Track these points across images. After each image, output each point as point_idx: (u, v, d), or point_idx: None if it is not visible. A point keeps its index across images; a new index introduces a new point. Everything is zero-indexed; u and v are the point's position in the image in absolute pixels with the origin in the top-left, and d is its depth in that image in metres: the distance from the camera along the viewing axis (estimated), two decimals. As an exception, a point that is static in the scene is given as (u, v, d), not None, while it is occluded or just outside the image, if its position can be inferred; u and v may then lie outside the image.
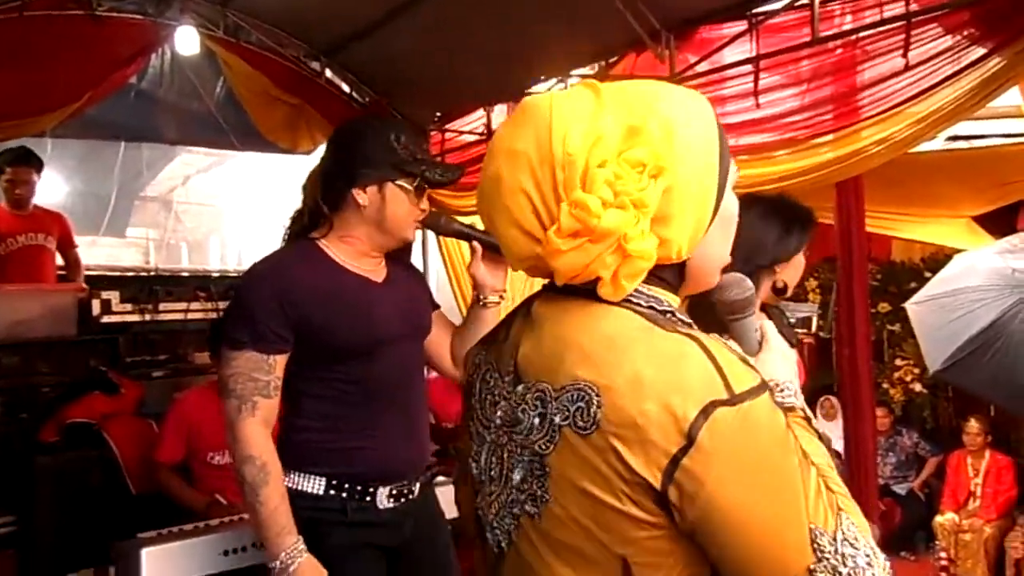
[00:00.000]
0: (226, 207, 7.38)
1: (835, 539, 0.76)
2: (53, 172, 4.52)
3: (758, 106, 3.15)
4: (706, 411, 0.75)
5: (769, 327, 1.02)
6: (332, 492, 1.72)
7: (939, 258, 4.38)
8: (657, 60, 3.38)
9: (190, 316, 3.54)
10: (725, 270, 0.97)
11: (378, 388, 1.76)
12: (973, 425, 4.63)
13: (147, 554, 2.06)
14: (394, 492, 1.76)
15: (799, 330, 2.21)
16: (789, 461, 0.78)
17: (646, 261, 0.81)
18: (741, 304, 0.99)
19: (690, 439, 0.75)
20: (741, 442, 0.76)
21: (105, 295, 3.36)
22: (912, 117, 2.71)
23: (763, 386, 0.79)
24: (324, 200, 1.76)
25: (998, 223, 3.67)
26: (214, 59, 3.94)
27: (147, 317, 3.45)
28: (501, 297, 1.85)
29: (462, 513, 1.05)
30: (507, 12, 3.45)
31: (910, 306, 3.54)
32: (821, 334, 4.24)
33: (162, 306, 3.49)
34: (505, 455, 0.89)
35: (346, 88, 4.34)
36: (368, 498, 1.73)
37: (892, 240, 6.06)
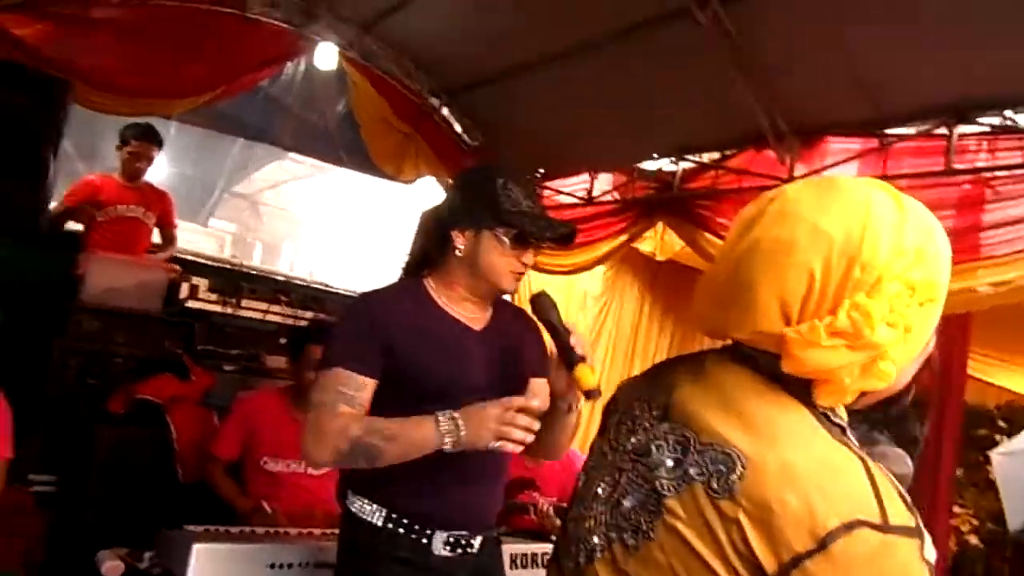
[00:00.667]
0: (307, 217, 7.56)
1: None
2: (166, 152, 4.70)
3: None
4: (850, 526, 0.74)
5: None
6: (390, 526, 1.68)
7: (1015, 406, 4.20)
8: (776, 160, 3.37)
9: (268, 317, 3.58)
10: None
11: None
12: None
13: (198, 550, 2.03)
14: (451, 540, 1.71)
15: None
16: None
17: (884, 383, 0.80)
18: (901, 482, 0.97)
19: (822, 545, 0.74)
20: (874, 569, 0.74)
21: (196, 280, 3.42)
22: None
23: (919, 531, 0.77)
24: (432, 240, 1.76)
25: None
26: (343, 78, 4.07)
27: (228, 310, 3.50)
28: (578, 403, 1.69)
29: None
30: (635, 83, 3.50)
31: (996, 455, 3.39)
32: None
33: (244, 302, 3.54)
34: (623, 480, 0.89)
35: (459, 128, 4.43)
36: (424, 540, 1.68)
37: (968, 381, 5.87)
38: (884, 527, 0.74)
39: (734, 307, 0.84)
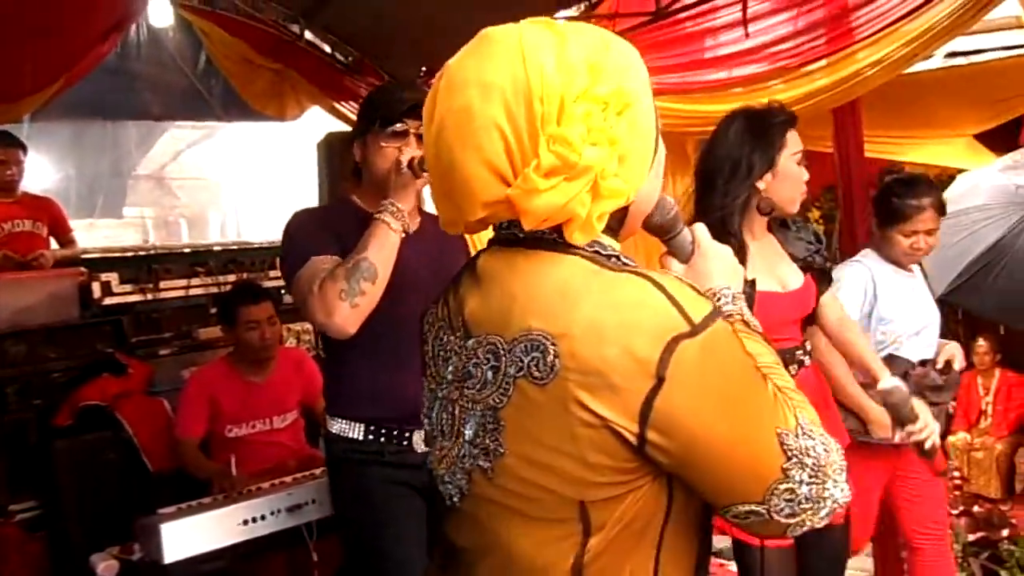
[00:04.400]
0: (222, 180, 7.33)
1: (797, 435, 0.80)
2: (40, 157, 4.47)
3: (747, 35, 3.06)
4: (670, 347, 0.75)
5: (702, 232, 1.01)
6: (371, 437, 1.82)
7: (944, 179, 4.31)
8: (642, -4, 3.29)
9: (191, 292, 3.53)
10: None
11: (408, 333, 1.77)
12: (982, 344, 4.63)
13: (166, 528, 2.08)
14: None
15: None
16: (750, 375, 0.81)
17: (618, 200, 0.81)
18: (671, 223, 0.99)
19: (660, 378, 0.75)
20: (708, 369, 0.77)
21: (105, 277, 3.35)
22: (907, 35, 2.64)
23: (718, 312, 0.80)
24: (346, 161, 1.95)
25: (1001, 140, 3.60)
26: (192, 30, 3.86)
27: (148, 296, 3.45)
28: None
29: None
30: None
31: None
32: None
33: (162, 284, 3.48)
34: (457, 411, 0.89)
35: (327, 49, 4.24)
36: (405, 442, 1.82)
37: (903, 166, 5.98)
38: (695, 329, 0.76)
39: (455, 193, 0.82)
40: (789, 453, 0.78)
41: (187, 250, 3.89)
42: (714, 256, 0.99)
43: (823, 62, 2.92)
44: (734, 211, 1.88)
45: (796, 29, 3.00)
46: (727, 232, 1.84)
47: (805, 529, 0.80)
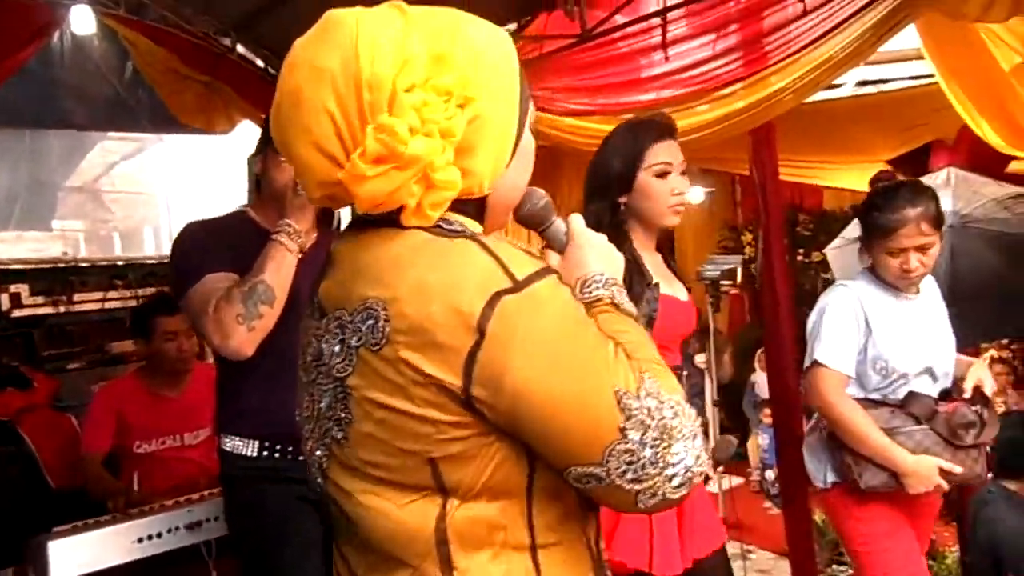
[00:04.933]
0: (159, 194, 7.17)
1: (639, 396, 0.77)
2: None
3: (667, 59, 3.14)
4: (492, 302, 0.76)
5: (578, 223, 1.02)
6: (265, 453, 1.81)
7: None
8: (568, 18, 3.34)
9: (107, 305, 3.44)
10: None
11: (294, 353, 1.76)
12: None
13: (54, 547, 2.01)
14: None
15: (725, 282, 2.20)
16: (582, 332, 0.80)
17: (450, 191, 0.81)
18: (541, 214, 1.00)
19: (481, 332, 0.76)
20: (531, 323, 0.77)
21: (14, 288, 3.24)
22: (814, 61, 2.74)
23: (547, 270, 0.81)
24: (249, 176, 1.89)
25: (912, 165, 3.73)
26: (118, 39, 3.79)
27: (61, 309, 3.35)
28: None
29: None
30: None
31: (829, 251, 3.60)
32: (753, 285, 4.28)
33: (77, 296, 3.39)
34: (315, 391, 0.89)
35: (259, 63, 4.20)
36: (301, 456, 1.75)
37: (824, 190, 6.16)
38: (517, 285, 0.77)
39: (298, 174, 0.84)
40: (628, 413, 0.77)
41: (107, 263, 3.77)
42: (588, 244, 0.99)
43: (739, 85, 3.00)
44: (607, 225, 1.84)
45: (714, 53, 3.08)
46: (618, 242, 1.86)
47: (659, 500, 0.77)
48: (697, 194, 6.29)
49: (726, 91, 2.99)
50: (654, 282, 1.84)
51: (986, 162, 3.31)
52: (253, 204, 1.89)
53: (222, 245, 1.74)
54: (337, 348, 0.84)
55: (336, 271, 0.89)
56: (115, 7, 3.66)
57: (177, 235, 1.83)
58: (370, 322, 0.79)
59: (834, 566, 3.73)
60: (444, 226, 0.85)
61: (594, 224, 1.85)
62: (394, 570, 0.84)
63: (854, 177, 3.84)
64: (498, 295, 0.76)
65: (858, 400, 2.05)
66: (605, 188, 1.88)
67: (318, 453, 0.89)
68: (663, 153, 1.85)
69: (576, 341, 0.79)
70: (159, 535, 2.15)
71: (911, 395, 2.02)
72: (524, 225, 1.01)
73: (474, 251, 0.79)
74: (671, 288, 1.93)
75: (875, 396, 2.07)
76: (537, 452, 0.81)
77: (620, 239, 1.85)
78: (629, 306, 0.93)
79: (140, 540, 2.12)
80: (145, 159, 6.82)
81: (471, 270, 0.78)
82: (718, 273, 2.16)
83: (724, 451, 2.11)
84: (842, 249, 3.39)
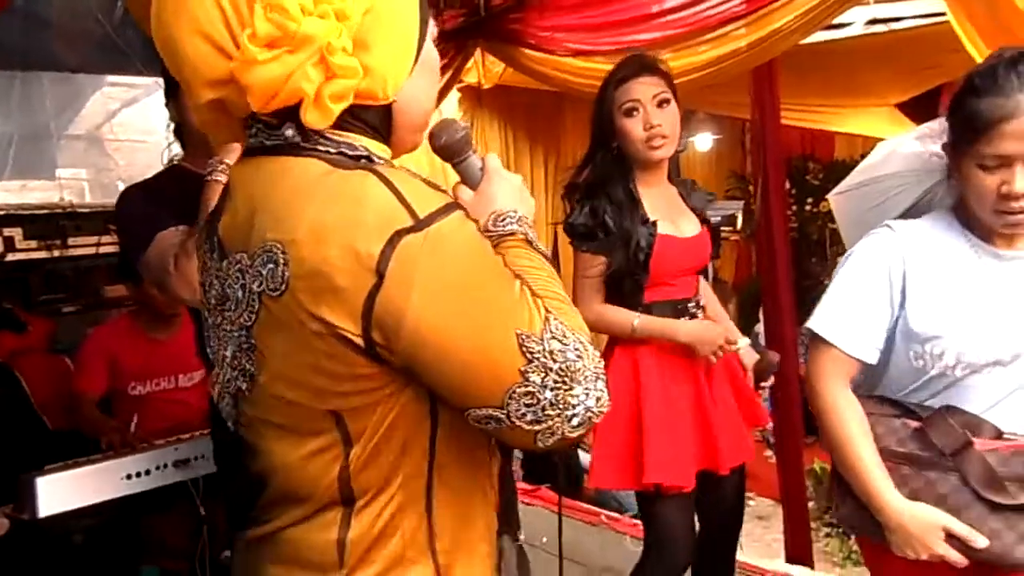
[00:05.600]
0: (161, 140, 7.14)
1: (542, 338, 0.75)
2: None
3: (668, -5, 3.03)
4: (392, 242, 0.72)
5: (492, 160, 0.99)
6: None
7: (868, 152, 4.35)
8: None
9: (101, 251, 3.44)
10: None
11: None
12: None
13: (42, 483, 2.03)
14: None
15: (725, 227, 2.20)
16: (486, 272, 0.77)
17: (351, 79, 0.77)
18: (459, 145, 0.98)
19: (380, 275, 0.72)
20: (433, 264, 0.74)
21: (7, 232, 3.24)
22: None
23: (452, 206, 0.77)
24: None
25: (921, 109, 3.63)
26: (107, -23, 3.70)
27: (56, 253, 3.34)
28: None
29: None
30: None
31: (832, 197, 3.48)
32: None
33: (71, 241, 3.38)
34: (221, 335, 0.86)
35: None
36: None
37: (836, 139, 6.03)
38: (419, 224, 0.74)
39: (183, 78, 0.78)
40: (529, 355, 0.75)
41: (101, 209, 3.76)
42: (501, 181, 0.96)
43: (741, 22, 2.90)
44: (608, 169, 1.94)
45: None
46: (619, 183, 1.92)
47: (557, 439, 0.76)
48: (704, 141, 6.20)
49: (728, 28, 2.90)
50: (651, 220, 1.89)
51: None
52: (184, 155, 1.88)
53: (163, 203, 1.72)
54: (240, 294, 0.81)
55: (233, 206, 0.85)
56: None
57: (117, 205, 1.81)
58: (270, 266, 0.76)
59: (828, 514, 3.75)
60: (347, 151, 0.81)
61: (599, 170, 1.93)
62: (292, 508, 0.84)
63: (861, 122, 3.74)
64: (398, 234, 0.73)
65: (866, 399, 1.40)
66: (599, 136, 1.96)
67: (225, 401, 0.88)
68: (630, 91, 1.90)
69: (478, 282, 0.76)
70: (147, 472, 2.16)
71: (944, 411, 1.31)
72: (440, 156, 0.99)
73: (374, 185, 0.75)
74: (673, 226, 1.96)
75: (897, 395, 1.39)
76: (437, 395, 0.79)
77: (620, 179, 1.92)
78: (539, 244, 0.91)
79: (128, 477, 2.14)
80: (145, 106, 6.76)
81: (370, 207, 0.74)
82: (719, 219, 2.18)
83: (765, 369, 2.12)
84: (848, 195, 3.29)
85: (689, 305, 1.99)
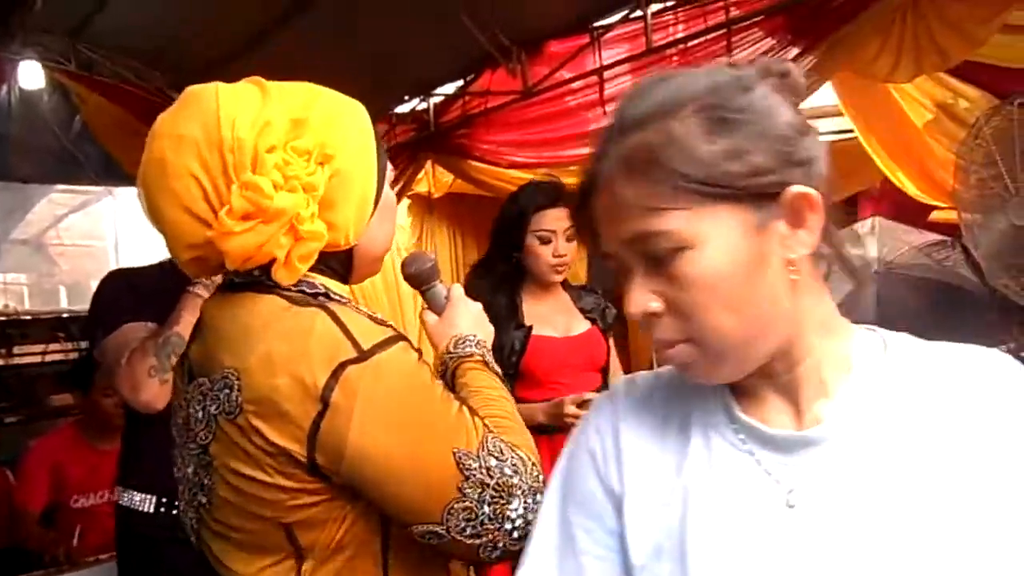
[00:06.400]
0: (108, 246, 7.10)
1: (479, 455, 0.81)
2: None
3: (606, 114, 3.28)
4: (336, 373, 0.78)
5: (458, 290, 1.09)
6: (163, 510, 1.73)
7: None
8: (510, 76, 3.48)
9: (47, 359, 3.39)
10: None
11: None
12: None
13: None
14: None
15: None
16: (424, 396, 0.83)
17: (317, 242, 0.85)
18: (427, 274, 1.07)
19: (325, 402, 0.78)
20: (374, 391, 0.79)
21: (-50, 341, 3.18)
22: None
23: (395, 338, 0.84)
24: None
25: (840, 214, 3.90)
26: (66, 92, 3.81)
27: (0, 362, 3.28)
28: None
29: None
30: (368, 34, 3.49)
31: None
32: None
33: (16, 349, 3.33)
34: (184, 454, 0.91)
35: (211, 117, 4.24)
36: None
37: None
38: (362, 355, 0.80)
39: (168, 239, 0.87)
40: (466, 472, 0.80)
41: (49, 316, 3.72)
42: (463, 308, 1.06)
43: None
44: (502, 272, 2.08)
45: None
46: (504, 295, 2.06)
47: (500, 552, 0.80)
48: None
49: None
50: (526, 324, 2.04)
51: (910, 211, 3.50)
52: None
53: (143, 294, 1.72)
54: (200, 415, 0.86)
55: (203, 336, 0.92)
56: (65, 63, 3.70)
57: (99, 283, 1.81)
58: (226, 391, 0.82)
59: None
60: (307, 289, 0.88)
61: (492, 280, 2.03)
62: None
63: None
64: (343, 365, 0.78)
65: None
66: (502, 242, 2.09)
67: (190, 515, 0.92)
68: (547, 220, 2.04)
69: (416, 405, 0.82)
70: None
71: None
72: (409, 283, 1.07)
73: (323, 322, 0.81)
74: (553, 327, 2.09)
75: None
76: (382, 511, 0.84)
77: (507, 292, 2.06)
78: (495, 367, 0.99)
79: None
80: (94, 212, 6.77)
81: (317, 342, 0.80)
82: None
83: None
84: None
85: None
